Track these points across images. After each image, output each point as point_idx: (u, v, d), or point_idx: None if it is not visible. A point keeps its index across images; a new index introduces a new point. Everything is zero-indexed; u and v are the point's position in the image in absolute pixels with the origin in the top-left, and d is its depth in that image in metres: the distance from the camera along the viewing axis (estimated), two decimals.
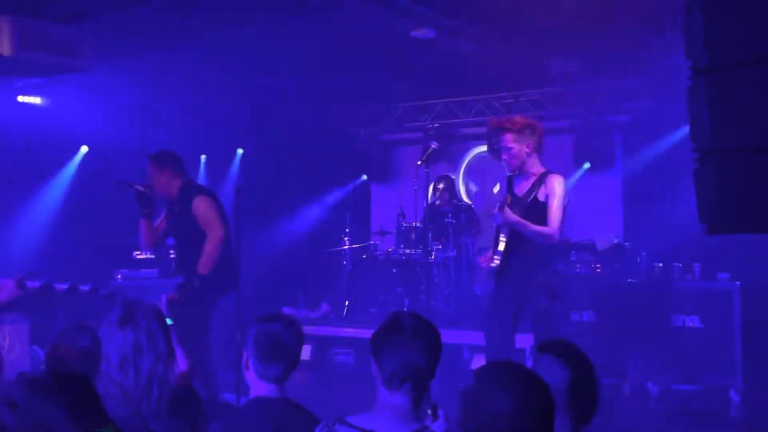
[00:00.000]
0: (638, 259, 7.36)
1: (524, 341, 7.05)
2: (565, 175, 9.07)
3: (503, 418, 1.82)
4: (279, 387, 2.77)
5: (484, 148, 9.73)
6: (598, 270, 7.40)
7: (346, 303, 8.76)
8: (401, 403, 2.39)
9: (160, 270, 7.76)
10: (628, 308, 7.01)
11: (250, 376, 2.78)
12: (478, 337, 7.50)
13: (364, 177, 10.71)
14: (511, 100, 9.23)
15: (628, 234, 8.49)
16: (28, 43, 4.99)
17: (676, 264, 7.11)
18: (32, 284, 6.19)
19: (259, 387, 2.76)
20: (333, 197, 10.59)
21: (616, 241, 7.70)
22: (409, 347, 2.38)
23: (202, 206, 5.68)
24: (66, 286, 6.39)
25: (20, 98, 8.12)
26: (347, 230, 9.23)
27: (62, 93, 8.08)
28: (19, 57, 4.99)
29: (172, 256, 7.52)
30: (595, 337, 6.78)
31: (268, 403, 2.72)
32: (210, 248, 5.57)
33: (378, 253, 8.94)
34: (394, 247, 8.82)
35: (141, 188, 5.74)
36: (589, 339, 6.41)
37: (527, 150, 5.27)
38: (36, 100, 8.22)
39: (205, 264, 5.55)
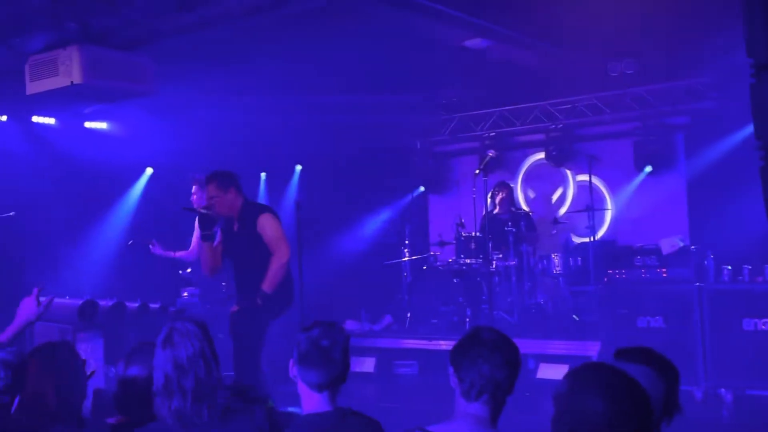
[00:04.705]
0: (705, 262, 7.19)
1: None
2: (627, 179, 9.07)
3: (596, 419, 1.80)
4: (328, 399, 2.68)
5: (541, 155, 9.67)
6: (663, 274, 7.25)
7: (408, 315, 8.77)
8: (478, 413, 2.40)
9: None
10: (697, 313, 6.85)
11: (299, 386, 2.73)
12: (542, 346, 7.43)
13: (422, 188, 10.74)
14: (568, 106, 9.15)
15: (693, 237, 8.30)
16: (97, 71, 5.18)
17: (745, 266, 6.91)
18: (105, 303, 6.41)
19: (308, 398, 2.70)
20: (392, 210, 10.64)
21: (681, 244, 7.53)
22: (489, 360, 2.40)
23: (269, 225, 5.70)
24: (137, 305, 6.59)
25: (87, 124, 8.42)
26: (407, 242, 9.26)
27: (127, 117, 8.34)
28: (89, 84, 5.18)
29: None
30: (663, 343, 6.57)
31: (317, 419, 2.66)
32: (277, 267, 5.62)
33: (438, 263, 8.92)
34: (454, 258, 8.76)
35: (204, 211, 5.74)
36: (658, 345, 6.24)
37: None
38: (102, 125, 8.52)
39: (271, 283, 5.60)
